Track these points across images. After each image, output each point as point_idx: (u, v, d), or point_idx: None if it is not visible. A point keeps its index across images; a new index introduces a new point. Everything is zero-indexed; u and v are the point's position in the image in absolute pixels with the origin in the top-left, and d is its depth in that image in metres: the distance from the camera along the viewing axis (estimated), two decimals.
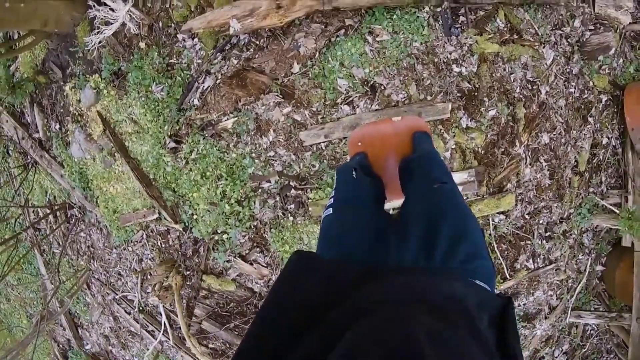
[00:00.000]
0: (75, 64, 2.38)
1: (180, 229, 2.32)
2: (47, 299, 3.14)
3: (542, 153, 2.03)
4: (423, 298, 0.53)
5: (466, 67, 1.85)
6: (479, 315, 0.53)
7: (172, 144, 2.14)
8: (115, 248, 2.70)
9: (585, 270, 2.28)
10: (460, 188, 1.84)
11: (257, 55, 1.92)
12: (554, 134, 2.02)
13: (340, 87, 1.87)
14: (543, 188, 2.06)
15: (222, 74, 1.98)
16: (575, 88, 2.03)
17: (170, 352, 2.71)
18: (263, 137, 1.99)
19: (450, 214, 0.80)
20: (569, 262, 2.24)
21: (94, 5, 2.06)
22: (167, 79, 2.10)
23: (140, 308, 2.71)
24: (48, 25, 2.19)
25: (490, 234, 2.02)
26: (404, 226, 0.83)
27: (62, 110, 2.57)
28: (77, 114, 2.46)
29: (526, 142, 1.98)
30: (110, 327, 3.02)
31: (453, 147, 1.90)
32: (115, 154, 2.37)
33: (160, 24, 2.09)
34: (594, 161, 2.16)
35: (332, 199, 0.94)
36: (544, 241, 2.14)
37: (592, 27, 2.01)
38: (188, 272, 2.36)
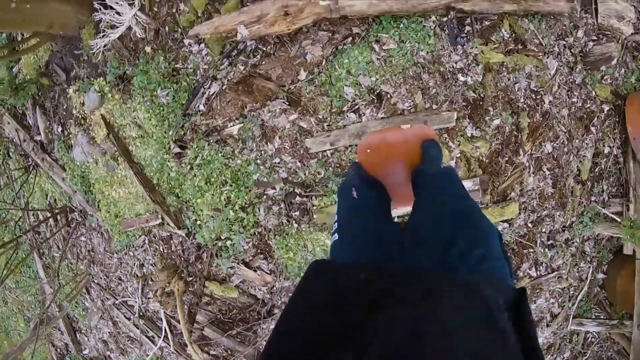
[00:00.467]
0: (79, 67, 2.37)
1: (184, 235, 2.30)
2: (45, 302, 3.11)
3: (545, 162, 2.04)
4: (439, 289, 0.55)
5: (471, 77, 1.87)
6: (496, 302, 0.54)
7: (177, 149, 2.14)
8: (116, 253, 2.68)
9: (586, 278, 2.30)
10: None
11: (263, 62, 1.93)
12: (557, 143, 2.04)
13: (346, 94, 1.88)
14: (546, 196, 2.08)
15: (228, 80, 1.98)
16: (578, 98, 2.06)
17: (170, 358, 2.69)
18: (268, 143, 1.99)
19: (467, 222, 0.81)
20: (570, 270, 2.26)
21: (100, 9, 2.06)
22: (172, 84, 2.09)
23: (141, 313, 2.69)
24: (53, 28, 2.19)
25: None
26: (416, 234, 0.84)
27: (64, 113, 2.55)
28: (80, 117, 2.45)
29: (530, 151, 1.99)
30: (109, 332, 2.99)
31: (458, 155, 1.91)
32: (119, 158, 2.36)
33: (167, 28, 2.09)
34: (596, 170, 2.18)
35: (336, 224, 0.95)
36: (547, 249, 2.15)
37: (595, 38, 2.04)
38: (190, 278, 2.35)
